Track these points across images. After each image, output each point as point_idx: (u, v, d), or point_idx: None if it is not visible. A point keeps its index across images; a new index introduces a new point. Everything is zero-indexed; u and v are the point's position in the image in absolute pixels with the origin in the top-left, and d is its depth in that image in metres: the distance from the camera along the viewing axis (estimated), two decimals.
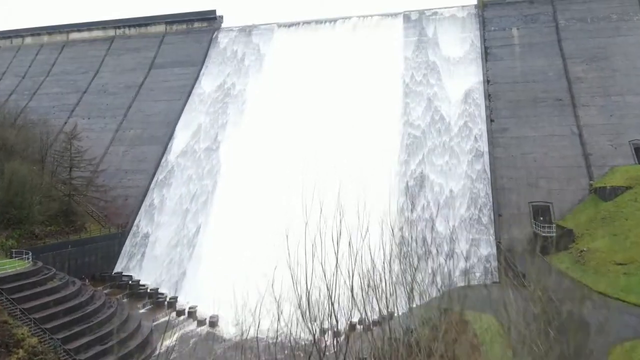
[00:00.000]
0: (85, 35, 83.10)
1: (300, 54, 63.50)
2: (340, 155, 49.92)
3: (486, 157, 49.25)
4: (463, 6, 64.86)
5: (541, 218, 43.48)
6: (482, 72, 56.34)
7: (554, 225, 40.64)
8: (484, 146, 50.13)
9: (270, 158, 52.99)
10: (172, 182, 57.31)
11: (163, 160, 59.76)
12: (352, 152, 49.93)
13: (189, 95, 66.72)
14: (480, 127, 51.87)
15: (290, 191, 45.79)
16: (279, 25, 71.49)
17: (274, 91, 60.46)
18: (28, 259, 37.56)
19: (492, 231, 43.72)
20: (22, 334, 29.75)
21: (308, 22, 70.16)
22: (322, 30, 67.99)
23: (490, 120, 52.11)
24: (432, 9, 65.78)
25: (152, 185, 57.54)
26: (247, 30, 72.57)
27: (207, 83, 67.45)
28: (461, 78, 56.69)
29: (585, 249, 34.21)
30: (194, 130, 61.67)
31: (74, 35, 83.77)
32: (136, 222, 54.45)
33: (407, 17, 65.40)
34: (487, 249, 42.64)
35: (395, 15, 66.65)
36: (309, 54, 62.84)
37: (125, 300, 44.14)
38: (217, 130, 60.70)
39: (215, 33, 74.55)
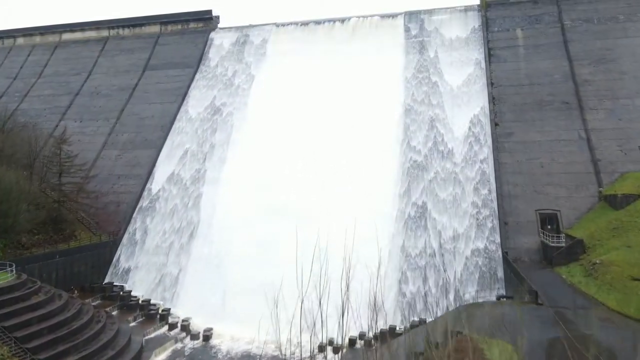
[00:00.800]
0: (78, 35, 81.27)
1: (295, 70, 60.45)
2: (337, 180, 48.25)
3: (492, 181, 46.46)
4: (465, 6, 63.11)
5: (549, 226, 41.84)
6: (486, 99, 52.90)
7: (562, 234, 38.94)
8: (490, 169, 47.33)
9: (260, 187, 50.45)
10: (156, 208, 54.03)
11: (148, 184, 56.33)
12: (350, 177, 48.28)
13: (184, 98, 64.87)
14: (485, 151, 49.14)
15: (278, 228, 43.96)
16: (277, 25, 69.72)
17: (264, 112, 57.45)
18: (12, 271, 35.68)
19: (500, 271, 40.94)
20: (2, 354, 27.90)
21: (306, 23, 68.39)
22: (321, 32, 65.98)
23: (494, 124, 50.43)
24: (432, 9, 64.12)
25: (135, 213, 54.10)
26: (241, 41, 69.32)
27: (196, 103, 63.26)
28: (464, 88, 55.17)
29: (598, 262, 32.47)
30: (180, 155, 57.71)
31: (67, 36, 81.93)
32: (116, 256, 50.88)
33: (407, 27, 62.71)
34: (494, 292, 40.55)
35: (395, 16, 65.03)
36: (303, 69, 60.01)
37: (115, 312, 42.30)
38: (205, 156, 56.73)
39: (208, 45, 71.01)
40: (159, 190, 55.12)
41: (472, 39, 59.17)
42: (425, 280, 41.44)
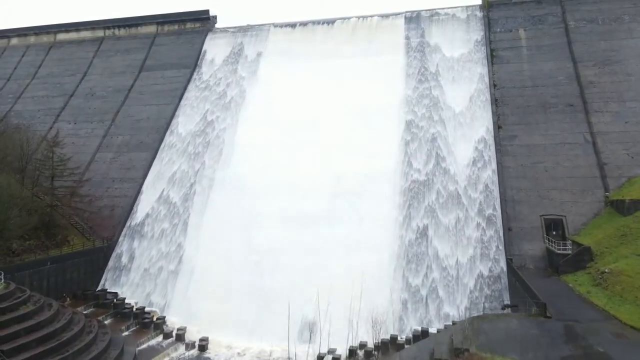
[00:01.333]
0: (73, 35, 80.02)
1: (291, 77, 58.63)
2: (335, 193, 46.66)
3: (498, 208, 43.76)
4: (467, 6, 62.01)
5: (554, 232, 40.75)
6: (491, 118, 50.26)
7: (569, 241, 37.78)
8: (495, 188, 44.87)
9: (257, 191, 49.03)
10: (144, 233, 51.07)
11: (135, 205, 53.80)
12: (348, 191, 46.69)
13: (180, 100, 63.65)
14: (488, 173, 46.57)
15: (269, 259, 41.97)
16: (275, 26, 68.53)
17: (256, 130, 55.00)
18: (0, 280, 34.42)
19: (506, 295, 38.71)
20: None
21: (304, 24, 67.21)
22: (320, 34, 64.56)
23: (497, 126, 49.31)
24: (434, 9, 62.97)
25: (120, 238, 51.19)
26: (236, 51, 66.99)
27: (186, 120, 60.51)
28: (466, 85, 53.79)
29: (607, 271, 31.33)
30: (169, 177, 54.71)
31: (62, 36, 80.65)
32: (100, 283, 48.51)
33: (408, 43, 60.01)
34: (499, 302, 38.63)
35: (396, 15, 63.88)
36: (300, 76, 58.27)
37: (108, 321, 40.97)
38: (195, 177, 53.74)
39: (201, 57, 68.90)
40: (148, 213, 52.47)
41: (474, 51, 56.89)
42: (427, 308, 39.61)
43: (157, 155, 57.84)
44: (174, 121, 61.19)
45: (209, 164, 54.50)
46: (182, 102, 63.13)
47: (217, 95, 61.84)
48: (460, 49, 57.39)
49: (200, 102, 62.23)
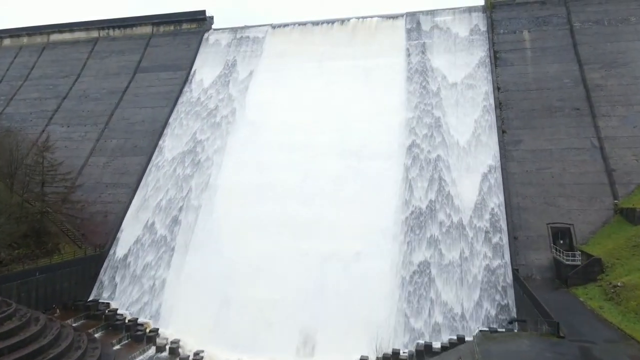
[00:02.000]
0: (67, 36, 78.42)
1: (285, 96, 56.51)
2: (331, 220, 44.24)
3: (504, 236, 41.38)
4: (469, 7, 60.63)
5: (561, 241, 39.35)
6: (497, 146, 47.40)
7: (578, 252, 36.33)
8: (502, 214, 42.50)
9: (256, 195, 47.62)
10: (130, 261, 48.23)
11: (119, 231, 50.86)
12: (343, 220, 44.25)
13: (175, 102, 62.10)
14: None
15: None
16: (273, 27, 67.08)
17: (248, 143, 52.98)
18: None
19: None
20: None
21: (303, 23, 65.73)
22: (318, 35, 63.07)
23: (502, 131, 47.92)
24: (435, 10, 61.57)
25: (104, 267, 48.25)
26: (230, 62, 64.58)
27: (174, 142, 57.22)
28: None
29: (619, 285, 29.96)
30: (154, 206, 51.42)
31: (55, 37, 79.02)
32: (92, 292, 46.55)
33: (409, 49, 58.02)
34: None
35: (396, 17, 62.47)
36: (295, 92, 56.43)
37: (99, 334, 39.45)
38: (182, 203, 50.67)
39: (189, 84, 64.50)
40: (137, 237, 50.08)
41: (480, 64, 54.64)
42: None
43: (144, 179, 54.89)
44: (161, 141, 58.27)
45: (199, 180, 52.44)
46: (172, 116, 60.53)
47: (208, 112, 59.14)
48: (464, 65, 54.89)
49: (190, 118, 59.51)
